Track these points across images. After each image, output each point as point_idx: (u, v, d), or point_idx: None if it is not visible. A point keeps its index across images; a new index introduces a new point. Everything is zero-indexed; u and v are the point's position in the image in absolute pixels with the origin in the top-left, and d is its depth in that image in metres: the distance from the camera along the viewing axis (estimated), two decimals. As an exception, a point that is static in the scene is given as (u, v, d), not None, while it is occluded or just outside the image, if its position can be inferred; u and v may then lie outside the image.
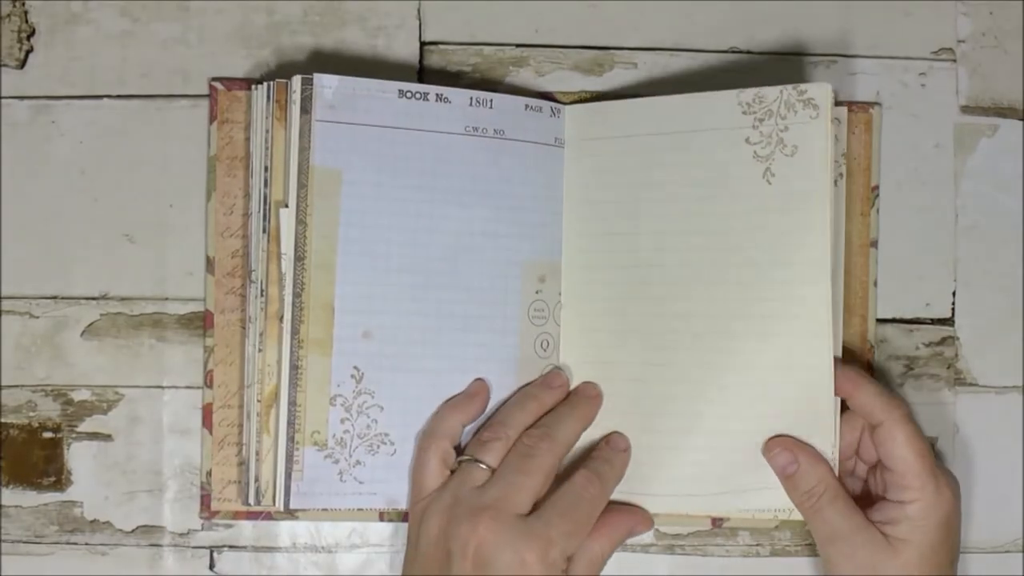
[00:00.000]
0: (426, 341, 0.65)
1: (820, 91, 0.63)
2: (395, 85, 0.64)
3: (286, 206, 0.63)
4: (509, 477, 0.61)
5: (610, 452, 0.65)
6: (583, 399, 0.66)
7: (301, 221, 0.63)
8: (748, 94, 0.64)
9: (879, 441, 0.63)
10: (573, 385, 0.67)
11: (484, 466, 0.62)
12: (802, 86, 0.63)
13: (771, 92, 0.64)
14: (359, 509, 0.64)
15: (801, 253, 0.63)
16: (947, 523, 0.62)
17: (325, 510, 0.64)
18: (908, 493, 0.61)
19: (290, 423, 0.63)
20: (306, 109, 0.63)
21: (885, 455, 0.62)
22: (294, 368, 0.63)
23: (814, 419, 0.63)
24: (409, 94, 0.64)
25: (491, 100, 0.66)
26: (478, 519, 0.59)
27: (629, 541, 0.68)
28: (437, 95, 0.65)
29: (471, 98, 0.65)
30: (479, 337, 0.66)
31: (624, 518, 0.64)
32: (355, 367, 0.64)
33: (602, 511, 0.63)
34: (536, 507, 0.61)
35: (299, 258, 0.63)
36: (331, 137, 0.63)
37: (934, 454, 0.63)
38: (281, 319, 0.63)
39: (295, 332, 0.63)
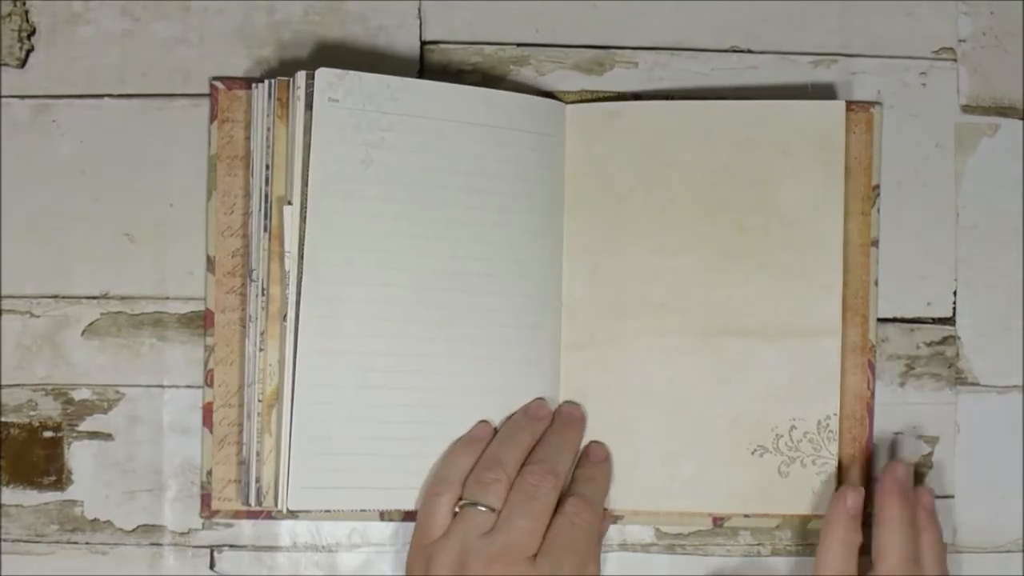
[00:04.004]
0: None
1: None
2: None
3: (289, 203, 0.63)
4: (517, 522, 0.61)
5: (592, 469, 0.66)
6: (570, 422, 0.66)
7: (305, 219, 0.62)
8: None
9: None
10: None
11: (486, 509, 0.62)
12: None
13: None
14: (361, 510, 0.65)
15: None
16: None
17: (328, 511, 0.64)
18: None
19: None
20: (310, 105, 0.63)
21: None
22: None
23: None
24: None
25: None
26: (491, 567, 0.60)
27: (629, 540, 0.68)
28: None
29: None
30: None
31: None
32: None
33: None
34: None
35: (303, 256, 0.62)
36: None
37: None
38: (284, 318, 0.63)
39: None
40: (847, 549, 0.64)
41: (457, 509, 0.62)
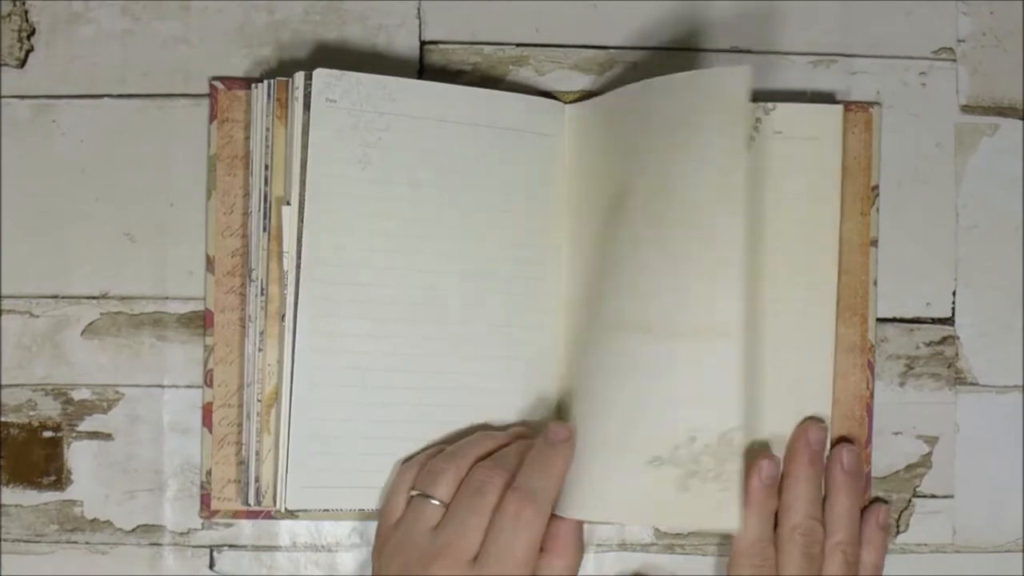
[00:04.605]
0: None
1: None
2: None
3: (288, 204, 0.63)
4: (460, 517, 0.59)
5: (546, 451, 0.61)
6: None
7: (303, 219, 0.62)
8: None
9: None
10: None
11: (435, 501, 0.60)
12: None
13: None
14: (360, 509, 0.65)
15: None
16: None
17: (326, 511, 0.64)
18: None
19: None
20: (308, 105, 0.63)
21: None
22: None
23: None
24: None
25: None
26: (431, 566, 0.58)
27: (629, 540, 0.68)
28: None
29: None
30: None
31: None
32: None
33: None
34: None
35: (301, 256, 0.62)
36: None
37: None
38: (282, 318, 0.63)
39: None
40: (763, 518, 0.63)
41: (413, 494, 0.61)
